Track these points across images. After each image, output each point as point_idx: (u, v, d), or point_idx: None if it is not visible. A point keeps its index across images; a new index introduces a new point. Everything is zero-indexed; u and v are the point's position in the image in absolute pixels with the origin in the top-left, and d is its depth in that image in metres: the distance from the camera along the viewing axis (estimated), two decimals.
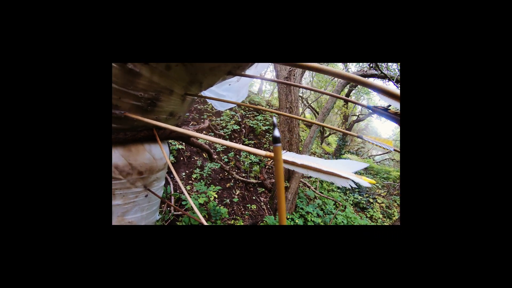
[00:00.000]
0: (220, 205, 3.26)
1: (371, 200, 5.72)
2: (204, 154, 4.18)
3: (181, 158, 3.85)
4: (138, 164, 1.04)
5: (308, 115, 13.20)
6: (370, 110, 0.80)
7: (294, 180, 3.76)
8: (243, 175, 4.41)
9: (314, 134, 4.21)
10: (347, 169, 0.46)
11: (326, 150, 9.54)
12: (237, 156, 4.76)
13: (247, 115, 6.17)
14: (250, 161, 4.73)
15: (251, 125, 5.78)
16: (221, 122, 5.47)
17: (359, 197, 5.59)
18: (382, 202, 5.84)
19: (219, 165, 4.09)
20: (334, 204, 4.58)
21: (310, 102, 10.30)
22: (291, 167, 0.45)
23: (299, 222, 3.50)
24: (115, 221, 1.06)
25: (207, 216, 2.80)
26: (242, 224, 3.11)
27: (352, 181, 0.44)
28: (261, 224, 3.20)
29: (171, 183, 3.07)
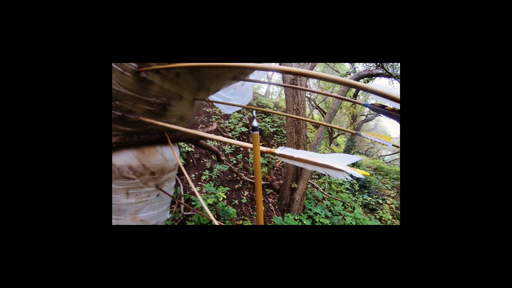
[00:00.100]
0: (228, 205, 3.32)
1: (381, 201, 5.64)
2: (213, 156, 4.26)
3: (191, 160, 3.94)
4: (151, 165, 1.11)
5: (316, 116, 13.16)
6: (368, 108, 0.84)
7: (302, 181, 3.78)
8: (252, 176, 4.46)
9: (321, 135, 4.21)
10: (341, 162, 0.50)
11: (335, 151, 9.47)
12: (246, 158, 4.82)
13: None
14: None
15: (259, 127, 5.84)
16: (229, 124, 5.55)
17: (368, 198, 5.52)
18: (392, 203, 5.75)
19: (228, 166, 4.16)
20: (342, 205, 4.56)
21: (317, 103, 10.28)
22: (289, 161, 0.50)
23: (307, 223, 3.52)
24: (128, 219, 1.13)
25: (216, 216, 2.87)
26: (250, 224, 3.16)
27: (346, 172, 0.48)
28: (269, 224, 3.23)
29: (181, 184, 3.15)
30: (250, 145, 0.57)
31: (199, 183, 3.59)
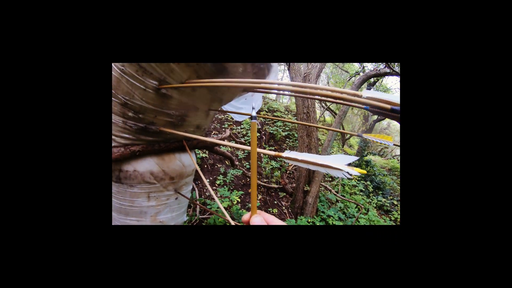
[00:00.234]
0: (242, 208, 3.40)
1: (395, 202, 5.54)
2: (226, 161, 4.37)
3: (205, 166, 4.06)
4: (170, 171, 1.21)
5: (328, 118, 13.08)
6: (367, 109, 0.90)
7: (315, 184, 3.81)
8: (265, 180, 4.53)
9: (332, 137, 4.23)
10: (340, 162, 0.57)
11: (348, 152, 9.38)
12: (259, 162, 4.90)
13: (266, 122, 6.32)
14: (271, 167, 4.84)
15: (271, 131, 5.91)
16: (242, 130, 5.66)
17: (383, 200, 5.44)
18: None
19: (241, 171, 4.25)
20: (356, 207, 4.53)
21: (328, 105, 10.24)
22: (294, 163, 0.58)
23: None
24: (148, 220, 1.23)
25: (231, 218, 2.95)
26: None
27: (344, 171, 0.55)
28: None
29: (196, 189, 3.27)
30: (262, 151, 0.65)
31: (214, 187, 3.70)
